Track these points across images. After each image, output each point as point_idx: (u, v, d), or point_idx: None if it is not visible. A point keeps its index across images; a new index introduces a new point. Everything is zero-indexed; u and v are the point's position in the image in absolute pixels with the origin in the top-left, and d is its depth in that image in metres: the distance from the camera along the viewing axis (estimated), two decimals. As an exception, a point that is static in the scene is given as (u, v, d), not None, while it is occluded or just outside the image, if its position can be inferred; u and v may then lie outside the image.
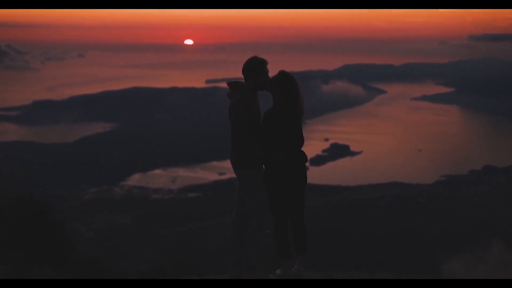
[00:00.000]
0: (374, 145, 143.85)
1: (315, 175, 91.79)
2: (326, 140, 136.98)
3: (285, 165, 7.19)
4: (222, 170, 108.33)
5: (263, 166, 7.36)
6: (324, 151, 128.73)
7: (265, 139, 7.21)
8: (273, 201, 7.37)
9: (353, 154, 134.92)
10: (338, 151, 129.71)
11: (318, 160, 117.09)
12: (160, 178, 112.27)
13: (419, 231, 60.15)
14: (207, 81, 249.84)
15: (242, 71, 7.39)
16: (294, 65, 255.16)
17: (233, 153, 7.38)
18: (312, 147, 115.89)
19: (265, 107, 7.42)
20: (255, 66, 7.34)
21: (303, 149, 7.37)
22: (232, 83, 7.43)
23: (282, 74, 7.36)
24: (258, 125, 7.28)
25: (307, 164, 7.51)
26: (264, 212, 7.39)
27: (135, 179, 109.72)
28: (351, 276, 7.62)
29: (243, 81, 7.45)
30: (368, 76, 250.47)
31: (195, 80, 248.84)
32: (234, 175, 7.66)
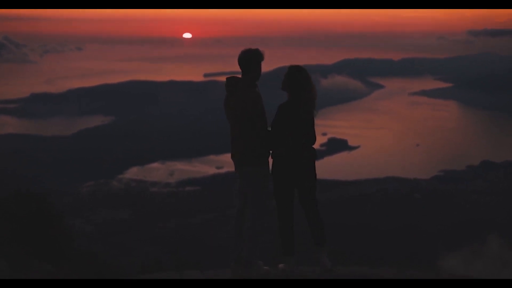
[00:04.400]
0: (372, 139, 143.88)
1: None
2: (324, 134, 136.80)
3: (291, 160, 7.17)
4: (220, 164, 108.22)
5: (268, 162, 7.34)
6: (322, 145, 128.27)
7: (276, 133, 7.18)
8: (278, 196, 7.35)
9: (351, 148, 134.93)
10: (336, 145, 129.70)
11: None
12: (158, 172, 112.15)
13: (416, 225, 60.30)
14: (205, 75, 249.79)
15: (241, 63, 7.26)
16: (293, 59, 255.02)
17: (240, 150, 7.29)
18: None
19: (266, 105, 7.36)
20: (254, 58, 7.23)
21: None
22: (233, 78, 7.34)
23: (291, 68, 7.32)
24: (266, 120, 7.26)
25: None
26: (266, 209, 7.36)
27: (133, 172, 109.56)
28: (352, 272, 7.59)
29: (239, 75, 7.36)
30: (366, 71, 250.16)
31: (193, 73, 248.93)
32: (232, 169, 7.61)
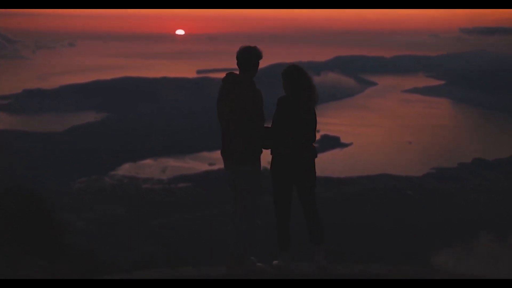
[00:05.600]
0: (365, 137, 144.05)
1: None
2: (317, 131, 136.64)
3: (291, 159, 7.17)
4: (212, 160, 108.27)
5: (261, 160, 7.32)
6: (314, 142, 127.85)
7: (276, 131, 7.20)
8: (277, 194, 7.35)
9: (344, 145, 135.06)
10: (328, 142, 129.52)
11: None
12: (150, 168, 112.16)
13: (410, 222, 60.36)
14: (198, 72, 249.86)
15: (241, 61, 7.17)
16: (285, 56, 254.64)
17: (238, 148, 7.18)
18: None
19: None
20: (254, 56, 7.15)
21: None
22: (232, 74, 7.24)
23: (289, 68, 7.31)
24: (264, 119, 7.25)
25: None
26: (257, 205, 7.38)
27: (125, 169, 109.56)
28: (348, 270, 7.60)
29: (234, 72, 7.28)
30: (359, 68, 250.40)
31: (186, 70, 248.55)
32: (223, 166, 7.56)
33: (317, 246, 7.44)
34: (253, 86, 7.12)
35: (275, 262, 7.59)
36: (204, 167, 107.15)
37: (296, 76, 7.24)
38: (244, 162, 7.19)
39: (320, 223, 7.48)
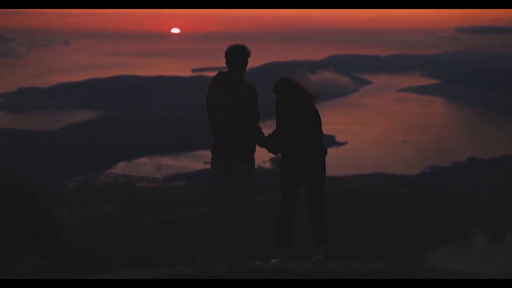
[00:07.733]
0: (360, 135, 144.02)
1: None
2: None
3: (300, 156, 7.17)
4: (207, 159, 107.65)
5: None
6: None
7: (284, 131, 7.21)
8: (285, 191, 7.35)
9: (339, 144, 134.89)
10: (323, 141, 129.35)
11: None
12: (145, 167, 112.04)
13: (403, 221, 60.45)
14: (193, 70, 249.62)
15: (231, 59, 7.12)
16: (281, 55, 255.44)
17: (238, 146, 7.16)
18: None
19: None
20: (244, 53, 7.10)
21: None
22: (225, 73, 7.17)
23: (282, 78, 7.29)
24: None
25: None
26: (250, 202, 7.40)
27: (120, 167, 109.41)
28: (344, 269, 7.58)
29: (226, 69, 7.20)
30: (354, 67, 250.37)
31: (181, 68, 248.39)
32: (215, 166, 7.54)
33: (318, 247, 7.43)
34: (246, 84, 7.11)
35: (273, 260, 7.57)
36: (199, 165, 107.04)
37: (289, 80, 7.25)
38: (243, 159, 7.20)
39: (324, 224, 7.48)
